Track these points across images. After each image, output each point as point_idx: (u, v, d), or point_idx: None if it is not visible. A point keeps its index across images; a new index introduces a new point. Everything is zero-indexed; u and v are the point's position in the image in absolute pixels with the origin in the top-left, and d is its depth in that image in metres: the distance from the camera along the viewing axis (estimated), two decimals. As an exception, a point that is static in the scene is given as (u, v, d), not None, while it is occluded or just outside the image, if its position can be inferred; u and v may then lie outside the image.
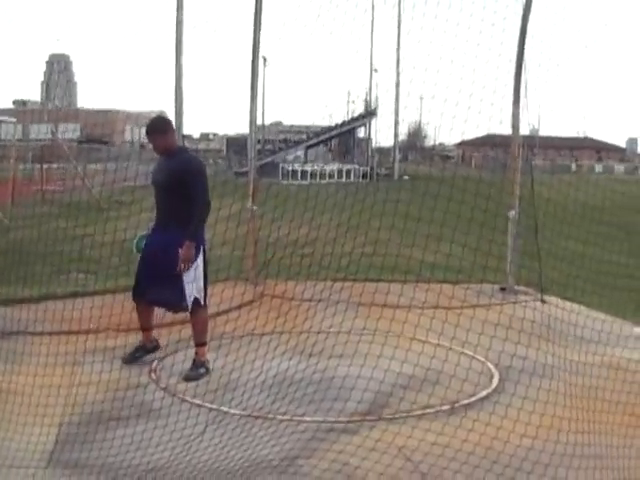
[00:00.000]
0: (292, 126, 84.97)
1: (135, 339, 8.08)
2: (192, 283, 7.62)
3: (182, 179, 7.54)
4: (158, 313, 8.09)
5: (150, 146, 8.09)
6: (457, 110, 7.86)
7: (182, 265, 7.48)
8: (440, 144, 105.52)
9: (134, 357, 7.96)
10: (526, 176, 11.65)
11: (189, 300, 7.62)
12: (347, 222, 7.98)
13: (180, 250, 7.45)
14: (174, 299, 7.65)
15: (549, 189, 9.31)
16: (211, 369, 7.62)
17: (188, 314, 7.77)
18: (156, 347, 8.09)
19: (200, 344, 7.77)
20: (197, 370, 7.61)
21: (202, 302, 7.75)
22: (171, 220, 7.65)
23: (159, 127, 7.92)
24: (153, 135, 7.85)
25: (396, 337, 7.06)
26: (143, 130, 8.06)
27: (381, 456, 5.52)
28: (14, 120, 36.20)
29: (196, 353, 7.75)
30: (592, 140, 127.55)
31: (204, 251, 7.82)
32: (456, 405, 6.73)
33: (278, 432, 5.96)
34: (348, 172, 55.02)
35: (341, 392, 6.41)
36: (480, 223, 7.63)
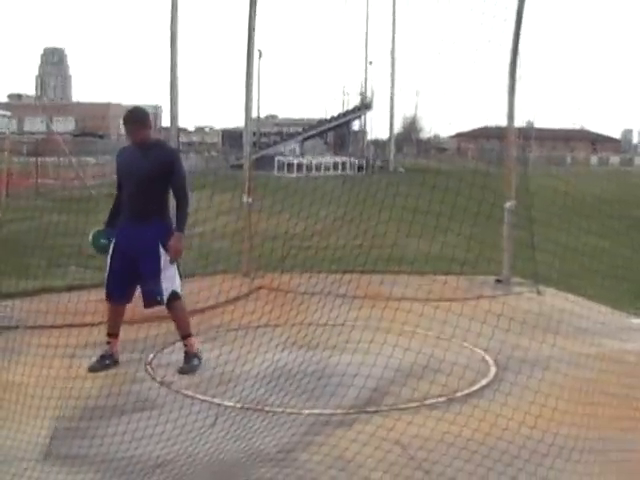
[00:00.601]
0: (287, 119, 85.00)
1: (131, 332, 8.01)
2: (172, 277, 7.56)
3: (170, 169, 7.50)
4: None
5: None
6: (452, 102, 7.85)
7: (173, 257, 7.45)
8: (435, 136, 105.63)
9: (103, 365, 7.60)
10: (525, 168, 11.65)
11: (165, 294, 7.53)
12: (343, 215, 7.96)
13: (169, 242, 7.42)
14: (152, 294, 7.54)
15: (546, 180, 9.31)
16: (204, 359, 7.60)
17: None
18: (116, 362, 7.73)
19: (187, 336, 7.73)
20: (191, 362, 7.59)
21: (179, 294, 7.64)
22: (151, 212, 7.53)
23: (140, 118, 7.80)
24: (134, 125, 7.69)
25: (389, 328, 7.04)
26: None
27: (378, 446, 5.49)
28: (9, 114, 36.18)
29: (185, 345, 7.72)
30: (587, 132, 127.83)
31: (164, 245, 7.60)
32: (453, 395, 6.71)
33: (273, 424, 5.95)
34: (344, 165, 55.07)
35: (338, 384, 6.39)
36: (475, 214, 7.62)
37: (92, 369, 7.45)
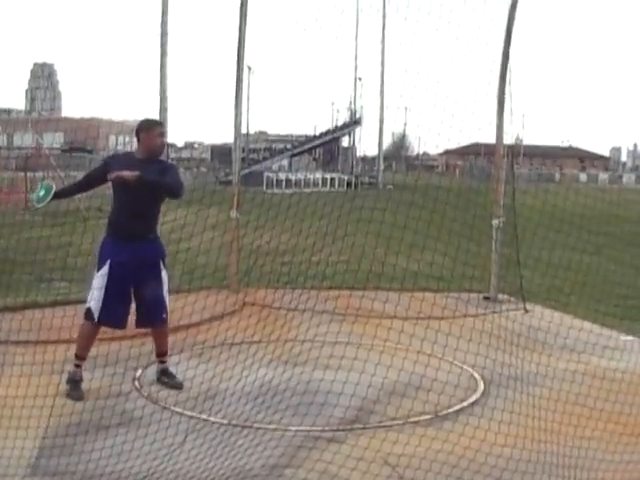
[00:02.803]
0: (277, 135, 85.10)
1: (116, 348, 7.93)
2: (166, 294, 7.49)
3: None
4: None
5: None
6: (441, 120, 7.88)
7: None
8: (424, 153, 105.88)
9: (80, 390, 7.28)
10: (510, 185, 11.68)
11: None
12: (334, 232, 7.97)
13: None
14: (158, 313, 7.44)
15: (534, 198, 9.34)
16: (191, 375, 7.56)
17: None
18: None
19: (167, 352, 7.73)
20: (177, 377, 7.56)
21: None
22: (149, 230, 7.38)
23: (163, 128, 7.73)
24: (163, 133, 7.57)
25: (375, 345, 7.06)
26: (127, 138, 7.91)
27: (363, 461, 5.49)
28: (-2, 129, 36.13)
29: (165, 362, 7.69)
30: (576, 149, 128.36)
31: (164, 262, 7.54)
32: (441, 413, 6.70)
33: (259, 441, 5.93)
34: (332, 181, 55.13)
35: (325, 400, 6.38)
36: (463, 232, 7.65)
37: (76, 397, 7.09)
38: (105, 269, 7.20)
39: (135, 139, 7.54)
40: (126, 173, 6.98)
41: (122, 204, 7.28)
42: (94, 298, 7.22)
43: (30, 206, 7.61)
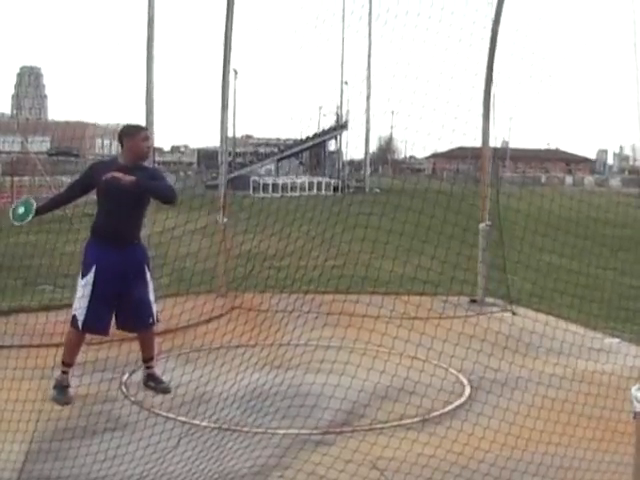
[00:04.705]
0: (263, 139, 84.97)
1: (106, 353, 7.91)
2: (153, 300, 7.48)
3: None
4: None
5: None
6: (427, 124, 7.92)
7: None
8: (411, 157, 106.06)
9: (68, 394, 7.26)
10: (495, 189, 11.74)
11: (155, 316, 7.47)
12: (322, 234, 7.99)
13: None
14: (145, 317, 7.41)
15: (520, 201, 9.38)
16: (181, 379, 7.57)
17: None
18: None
19: (153, 357, 7.72)
20: (164, 381, 7.58)
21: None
22: (134, 236, 7.35)
23: (148, 132, 7.67)
24: (148, 137, 7.48)
25: (363, 348, 7.09)
26: (115, 142, 7.84)
27: (356, 468, 5.51)
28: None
29: (152, 367, 7.68)
30: (562, 152, 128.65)
31: (148, 267, 7.52)
32: (428, 416, 6.73)
33: (248, 443, 5.95)
34: (319, 185, 55.13)
35: (315, 403, 6.40)
36: (450, 236, 7.68)
37: (63, 402, 7.05)
38: (90, 276, 7.14)
39: (118, 145, 7.48)
40: (124, 176, 6.94)
41: (108, 209, 7.21)
42: (80, 306, 7.16)
43: (11, 222, 7.34)
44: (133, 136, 7.34)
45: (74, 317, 7.23)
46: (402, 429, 6.37)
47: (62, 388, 7.25)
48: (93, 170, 7.47)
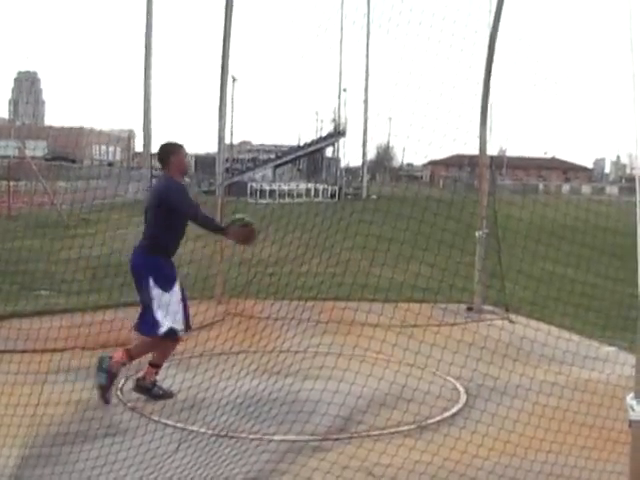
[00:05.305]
0: (261, 145, 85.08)
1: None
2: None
3: (159, 201, 7.41)
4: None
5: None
6: (428, 132, 7.93)
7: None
8: (408, 164, 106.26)
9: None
10: (493, 197, 11.74)
11: (161, 330, 7.25)
12: (323, 243, 7.99)
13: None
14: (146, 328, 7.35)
15: (519, 209, 9.38)
16: (178, 385, 7.54)
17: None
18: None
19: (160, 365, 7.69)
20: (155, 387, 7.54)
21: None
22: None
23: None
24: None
25: (362, 355, 7.09)
26: (112, 148, 7.88)
27: (353, 475, 5.51)
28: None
29: (147, 378, 7.60)
30: (560, 160, 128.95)
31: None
32: (425, 423, 6.72)
33: (245, 449, 5.94)
34: (316, 191, 55.19)
35: (312, 410, 6.39)
36: (448, 243, 7.68)
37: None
38: (175, 289, 7.31)
39: (158, 162, 7.75)
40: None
41: (176, 230, 7.44)
42: (176, 320, 7.28)
43: None
44: (179, 153, 7.62)
45: (171, 330, 7.27)
46: (399, 436, 6.36)
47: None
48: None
